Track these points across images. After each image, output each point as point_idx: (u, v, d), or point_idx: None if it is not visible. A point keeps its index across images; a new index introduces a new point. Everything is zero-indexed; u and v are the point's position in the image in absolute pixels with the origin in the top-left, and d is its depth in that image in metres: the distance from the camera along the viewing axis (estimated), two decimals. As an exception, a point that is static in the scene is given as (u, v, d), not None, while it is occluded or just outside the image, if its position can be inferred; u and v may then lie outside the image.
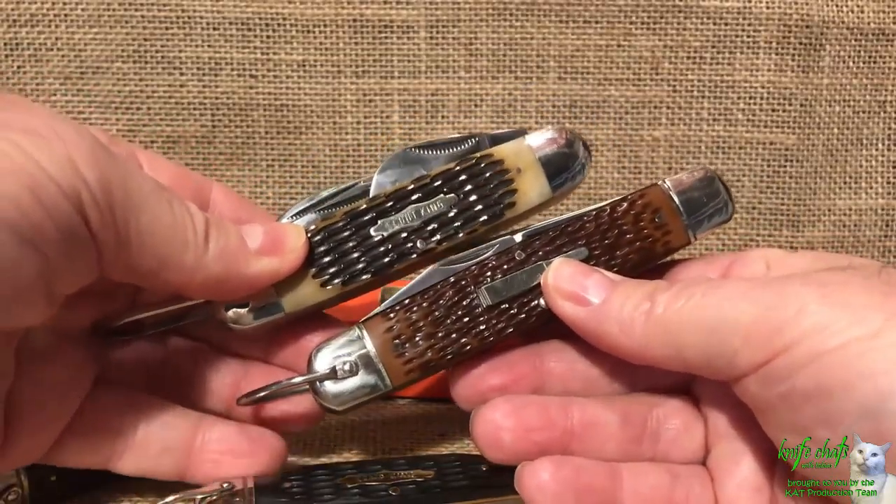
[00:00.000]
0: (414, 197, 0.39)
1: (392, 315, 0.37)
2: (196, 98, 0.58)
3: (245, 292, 0.37)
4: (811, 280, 0.32)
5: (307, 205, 0.40)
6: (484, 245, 0.39)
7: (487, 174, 0.39)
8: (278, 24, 0.57)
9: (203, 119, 0.58)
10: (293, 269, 0.37)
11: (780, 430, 0.32)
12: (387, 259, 0.38)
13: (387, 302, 0.38)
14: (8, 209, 0.28)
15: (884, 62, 0.59)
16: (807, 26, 0.58)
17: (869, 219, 0.60)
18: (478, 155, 0.39)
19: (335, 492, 0.33)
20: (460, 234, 0.39)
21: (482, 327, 0.37)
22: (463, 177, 0.39)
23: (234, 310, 0.37)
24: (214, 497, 0.34)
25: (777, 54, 0.58)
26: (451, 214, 0.39)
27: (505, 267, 0.38)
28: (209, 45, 0.57)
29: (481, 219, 0.39)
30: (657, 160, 0.60)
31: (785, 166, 0.60)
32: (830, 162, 0.60)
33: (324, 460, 0.42)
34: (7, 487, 0.35)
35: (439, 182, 0.39)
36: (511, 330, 0.37)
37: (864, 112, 0.59)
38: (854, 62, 0.59)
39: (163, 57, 0.57)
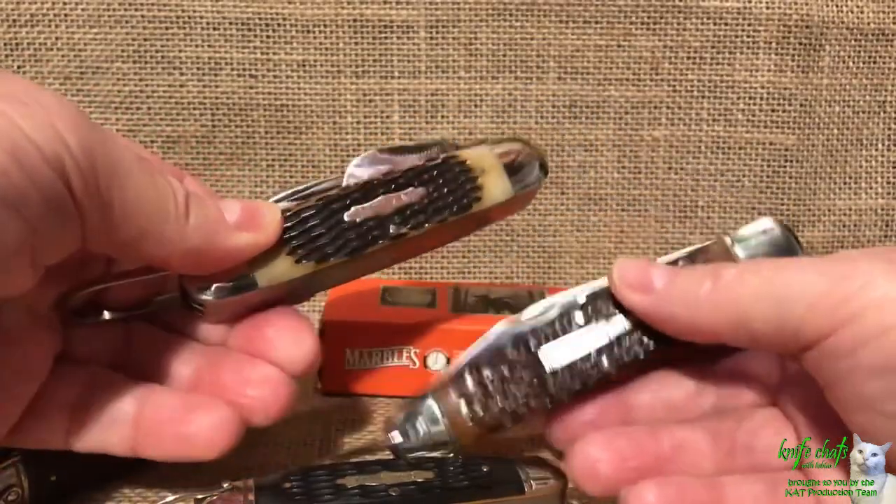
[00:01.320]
0: (385, 188, 0.40)
1: (460, 380, 0.37)
2: (196, 98, 0.58)
3: (222, 265, 0.37)
4: (879, 256, 0.32)
5: (283, 195, 0.41)
6: (545, 304, 0.39)
7: (455, 170, 0.41)
8: (278, 25, 0.57)
9: (203, 119, 0.58)
10: (269, 244, 0.37)
11: (849, 407, 0.33)
12: (359, 242, 0.39)
13: (456, 364, 0.38)
14: None
15: (884, 62, 0.59)
16: (807, 26, 0.58)
17: (869, 219, 0.60)
18: (444, 155, 0.41)
19: (335, 492, 0.33)
20: (430, 223, 0.40)
21: (551, 390, 0.37)
22: (432, 172, 0.41)
23: (209, 285, 0.37)
24: (214, 497, 0.34)
25: (777, 54, 0.58)
26: (422, 204, 0.40)
27: (568, 329, 0.38)
28: (209, 45, 0.57)
29: (452, 209, 0.41)
30: (657, 160, 0.60)
31: (785, 166, 0.60)
32: (830, 162, 0.60)
33: (324, 461, 0.42)
34: (7, 488, 0.35)
35: (410, 176, 0.40)
36: (578, 388, 0.37)
37: (863, 112, 0.59)
38: (854, 62, 0.59)
39: (163, 57, 0.57)
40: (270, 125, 0.58)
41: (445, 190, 0.41)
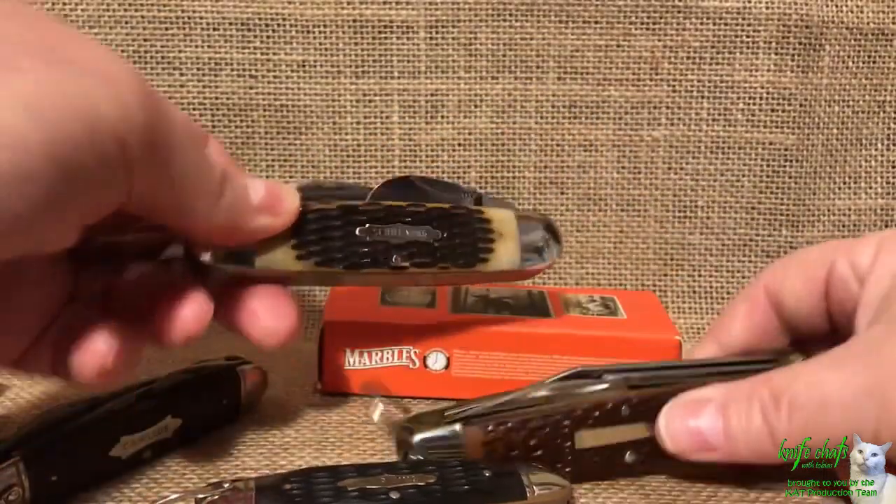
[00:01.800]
0: (405, 218, 0.41)
1: (491, 427, 0.38)
2: (196, 98, 0.58)
3: (238, 242, 0.38)
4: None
5: (308, 184, 0.41)
6: (598, 373, 0.39)
7: (475, 225, 0.43)
8: (278, 25, 0.57)
9: (203, 119, 0.58)
10: (283, 229, 0.38)
11: None
12: (362, 259, 0.41)
13: (493, 403, 0.38)
14: (63, 143, 0.28)
15: (883, 62, 0.59)
16: (806, 26, 0.58)
17: (868, 219, 0.61)
18: (471, 207, 0.43)
19: (335, 495, 0.33)
20: (433, 267, 0.42)
21: (570, 461, 0.38)
22: (454, 220, 0.43)
23: (212, 253, 0.38)
24: (215, 497, 0.34)
25: (776, 54, 0.58)
26: (433, 246, 0.42)
27: (608, 417, 0.39)
28: (209, 46, 0.57)
29: (457, 261, 0.43)
30: (656, 160, 0.60)
31: (784, 166, 0.60)
32: (830, 162, 0.60)
33: (325, 462, 0.42)
34: (8, 487, 0.35)
35: (432, 215, 0.42)
36: (595, 470, 0.38)
37: (863, 112, 0.60)
38: (853, 62, 0.59)
39: (163, 57, 0.57)
40: (270, 125, 0.58)
41: (458, 241, 0.43)
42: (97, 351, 0.35)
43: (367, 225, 0.41)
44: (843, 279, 0.41)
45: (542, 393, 0.39)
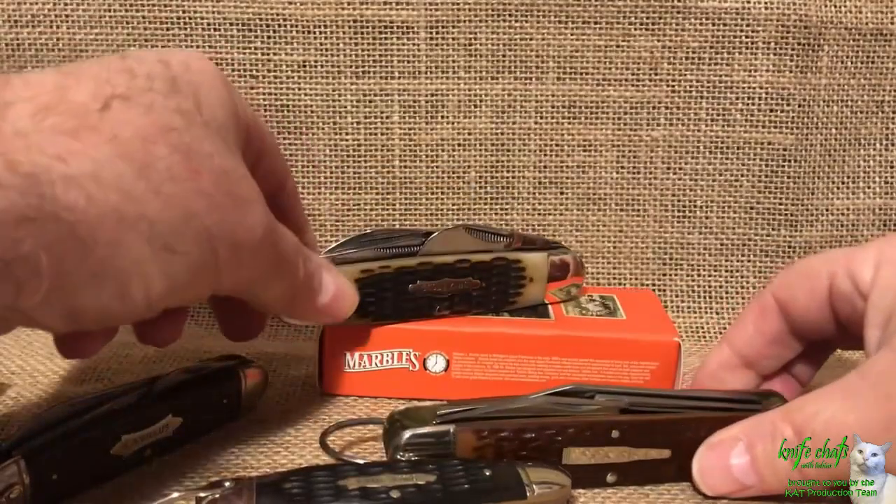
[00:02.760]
0: (452, 274, 0.47)
1: (485, 433, 0.38)
2: (196, 98, 0.58)
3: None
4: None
5: (367, 239, 0.46)
6: (590, 398, 0.40)
7: (511, 274, 0.48)
8: (279, 25, 0.57)
9: (203, 119, 0.58)
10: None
11: None
12: (411, 312, 0.47)
13: (488, 409, 0.39)
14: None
15: (882, 62, 0.59)
16: (805, 27, 0.58)
17: (867, 218, 0.61)
18: (510, 258, 0.48)
19: (335, 493, 0.33)
20: (468, 313, 0.48)
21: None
22: (493, 271, 0.48)
23: None
24: (216, 496, 0.34)
25: (775, 55, 0.58)
26: (471, 295, 0.48)
27: (598, 437, 0.39)
28: (210, 46, 0.57)
29: (490, 306, 0.48)
30: (656, 160, 0.60)
31: (783, 166, 0.60)
32: (828, 162, 0.60)
33: (325, 461, 0.42)
34: (9, 486, 0.35)
35: (475, 269, 0.47)
36: (575, 486, 0.39)
37: (861, 112, 0.60)
38: (852, 62, 0.59)
39: (163, 57, 0.57)
40: (271, 125, 0.58)
41: (494, 289, 0.48)
42: None
43: (418, 282, 0.46)
44: (845, 295, 0.41)
45: (536, 405, 0.39)
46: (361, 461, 0.39)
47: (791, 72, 0.59)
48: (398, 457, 0.37)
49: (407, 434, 0.38)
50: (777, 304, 0.44)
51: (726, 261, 0.61)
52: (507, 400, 0.39)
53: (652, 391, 0.42)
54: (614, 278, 0.61)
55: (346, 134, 0.59)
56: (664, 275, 0.61)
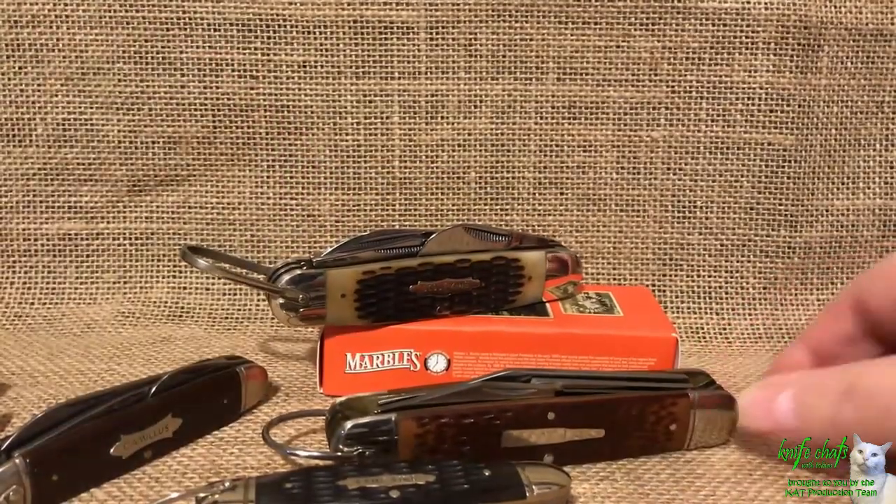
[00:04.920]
0: (452, 274, 0.47)
1: (426, 419, 0.39)
2: (197, 99, 0.58)
3: None
4: None
5: (366, 240, 0.47)
6: (526, 382, 0.40)
7: (510, 273, 0.49)
8: (279, 26, 0.57)
9: (204, 120, 0.58)
10: None
11: None
12: (412, 312, 0.47)
13: (427, 396, 0.39)
14: None
15: (881, 63, 0.59)
16: (805, 27, 0.58)
17: (867, 219, 0.61)
18: (510, 257, 0.49)
19: (335, 494, 0.33)
20: (468, 313, 0.48)
21: (494, 458, 0.39)
22: (493, 270, 0.48)
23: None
24: (216, 496, 0.34)
25: (775, 55, 0.58)
26: (472, 294, 0.48)
27: (535, 420, 0.40)
28: (210, 47, 0.57)
29: (489, 305, 0.49)
30: (656, 160, 0.60)
31: (783, 167, 0.60)
32: (828, 162, 0.60)
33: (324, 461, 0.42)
34: (9, 486, 0.35)
35: (475, 268, 0.48)
36: None
37: (861, 113, 0.60)
38: (852, 63, 0.59)
39: (164, 58, 0.57)
40: (271, 126, 0.59)
41: (494, 288, 0.48)
42: None
43: (419, 282, 0.47)
44: None
45: (474, 390, 0.39)
46: (303, 453, 0.39)
47: (791, 72, 0.59)
48: (340, 447, 0.38)
49: (348, 424, 0.38)
50: (855, 306, 0.44)
51: (726, 261, 0.61)
52: (446, 387, 0.40)
53: (585, 373, 0.43)
54: (614, 278, 0.61)
55: (346, 134, 0.59)
56: (664, 275, 0.61)
